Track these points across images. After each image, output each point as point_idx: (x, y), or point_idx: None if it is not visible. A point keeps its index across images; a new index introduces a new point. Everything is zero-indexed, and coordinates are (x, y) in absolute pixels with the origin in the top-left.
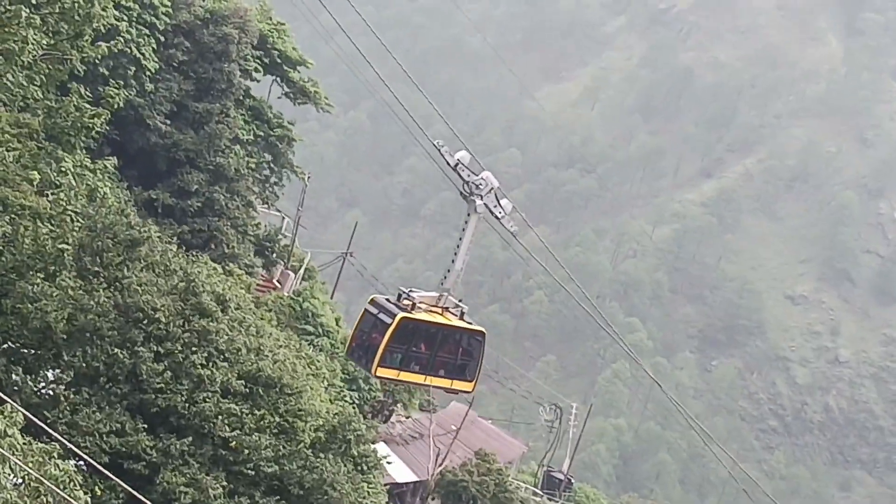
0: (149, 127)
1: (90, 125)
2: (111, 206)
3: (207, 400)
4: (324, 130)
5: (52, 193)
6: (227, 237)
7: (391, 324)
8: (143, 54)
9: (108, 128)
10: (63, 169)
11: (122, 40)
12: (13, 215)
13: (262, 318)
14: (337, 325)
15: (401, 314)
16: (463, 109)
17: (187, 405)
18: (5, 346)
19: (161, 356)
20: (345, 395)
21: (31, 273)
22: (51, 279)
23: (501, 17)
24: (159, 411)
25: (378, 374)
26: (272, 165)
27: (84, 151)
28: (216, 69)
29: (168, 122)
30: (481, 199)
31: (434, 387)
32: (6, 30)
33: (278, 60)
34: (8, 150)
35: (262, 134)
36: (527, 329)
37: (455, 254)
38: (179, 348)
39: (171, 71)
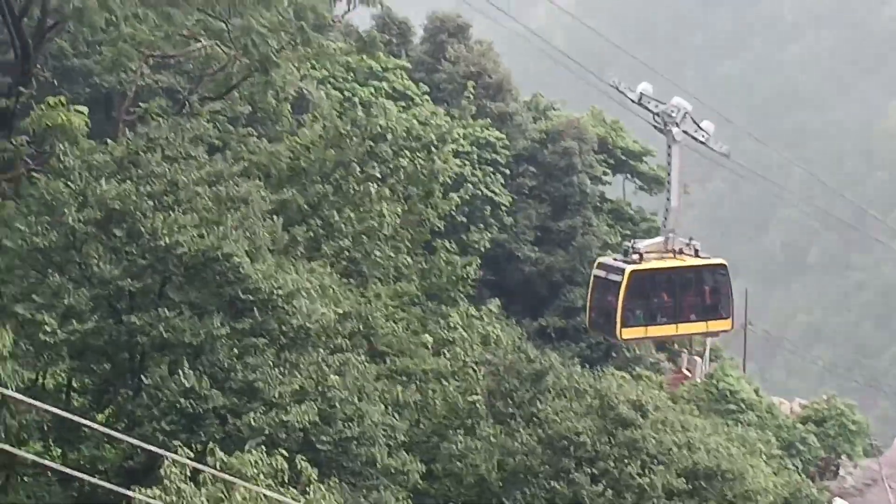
0: (519, 259)
1: (464, 275)
2: (507, 346)
3: None
4: (684, 211)
5: (448, 350)
6: None
7: (622, 281)
8: (494, 192)
9: (481, 272)
10: (452, 324)
11: (471, 185)
12: (418, 382)
13: (682, 413)
14: (757, 395)
15: (629, 268)
16: (818, 149)
17: None
18: None
19: (597, 477)
20: (786, 464)
21: (450, 432)
22: (471, 433)
23: (828, 46)
24: None
25: (625, 337)
26: None
27: (466, 301)
28: (566, 184)
29: (536, 248)
30: (677, 126)
31: (690, 335)
32: (361, 210)
33: (623, 158)
34: (396, 322)
35: (628, 233)
36: None
37: (668, 191)
38: (612, 465)
39: (525, 199)
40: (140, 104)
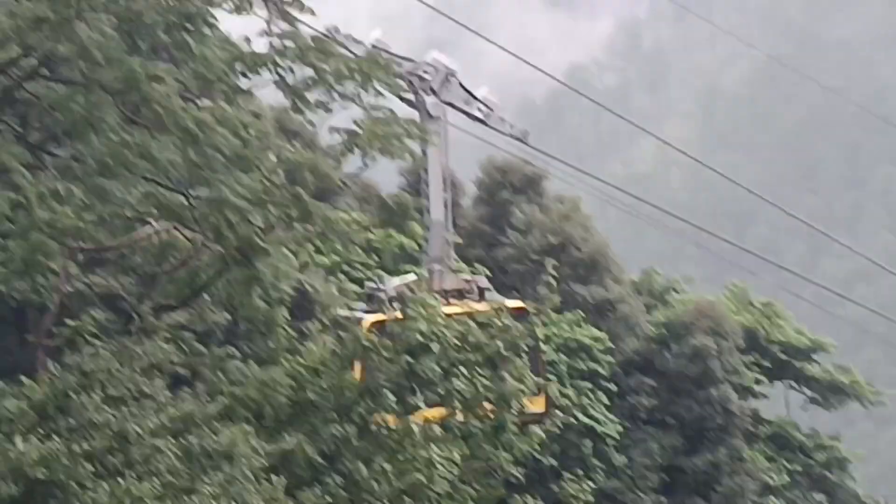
0: None
1: None
2: None
3: None
4: (883, 428)
5: None
6: None
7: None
8: (594, 419)
9: None
10: None
11: (560, 412)
12: None
13: None
14: None
15: (368, 319)
16: None
17: None
18: None
19: None
20: None
21: None
22: None
23: None
24: None
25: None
26: None
27: None
28: (701, 402)
29: (663, 498)
30: (435, 94)
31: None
32: (401, 458)
33: (783, 357)
34: None
35: (797, 468)
36: None
37: (426, 199)
38: None
39: (641, 426)
40: (67, 321)
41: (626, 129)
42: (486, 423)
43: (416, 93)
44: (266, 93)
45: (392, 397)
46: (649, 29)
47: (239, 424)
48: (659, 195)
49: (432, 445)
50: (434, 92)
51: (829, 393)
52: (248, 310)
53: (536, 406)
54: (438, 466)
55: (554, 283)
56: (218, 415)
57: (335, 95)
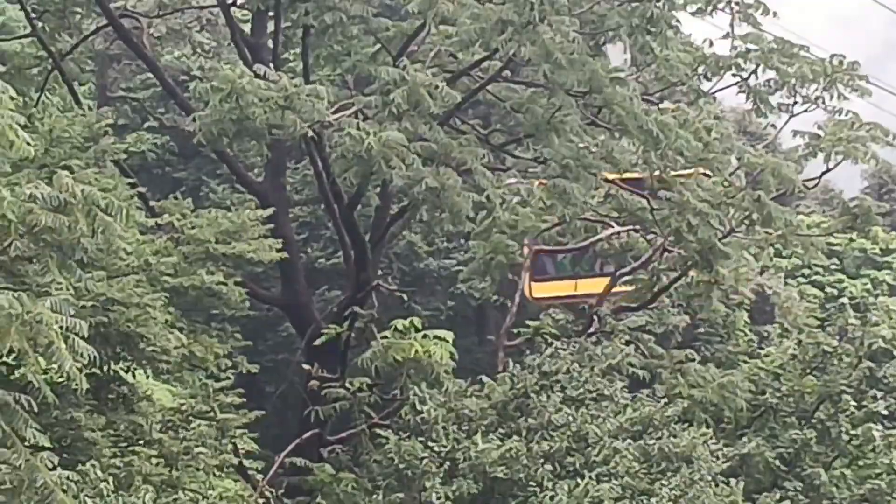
0: None
1: None
2: None
3: None
4: None
5: None
6: None
7: None
8: None
9: None
10: None
11: None
12: None
13: None
14: None
15: None
16: None
17: None
18: None
19: None
20: None
21: None
22: None
23: None
24: None
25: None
26: None
27: None
28: None
29: None
30: None
31: None
32: (861, 464)
33: None
34: None
35: None
36: None
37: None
38: None
39: None
40: (527, 322)
41: None
42: None
43: None
44: (726, 95)
45: (853, 402)
46: None
47: (698, 427)
48: None
49: (894, 452)
50: None
51: None
52: (708, 313)
53: None
54: None
55: None
56: (677, 417)
57: (798, 98)
